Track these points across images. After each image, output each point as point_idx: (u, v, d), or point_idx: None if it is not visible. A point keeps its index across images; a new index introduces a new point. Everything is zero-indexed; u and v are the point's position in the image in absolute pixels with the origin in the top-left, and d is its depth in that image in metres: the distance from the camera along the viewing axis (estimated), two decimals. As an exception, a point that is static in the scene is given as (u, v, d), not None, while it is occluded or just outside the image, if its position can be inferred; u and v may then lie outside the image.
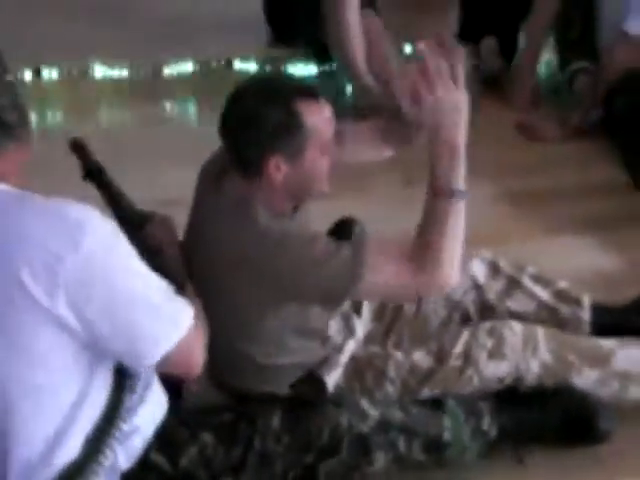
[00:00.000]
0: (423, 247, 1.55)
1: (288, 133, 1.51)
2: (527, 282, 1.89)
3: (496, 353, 1.70)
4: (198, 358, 1.40)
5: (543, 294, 1.88)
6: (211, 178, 1.64)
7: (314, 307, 1.62)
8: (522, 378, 1.71)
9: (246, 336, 1.61)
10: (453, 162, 1.57)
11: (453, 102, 1.54)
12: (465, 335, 1.73)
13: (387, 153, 1.83)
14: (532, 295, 1.87)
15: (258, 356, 1.63)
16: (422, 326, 1.84)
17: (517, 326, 1.74)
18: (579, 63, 3.00)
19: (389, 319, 1.85)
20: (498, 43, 3.33)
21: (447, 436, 1.63)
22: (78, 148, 1.63)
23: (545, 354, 1.72)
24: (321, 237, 1.59)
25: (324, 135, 1.55)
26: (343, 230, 2.19)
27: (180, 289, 1.44)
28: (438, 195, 1.57)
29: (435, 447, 1.62)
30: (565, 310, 1.87)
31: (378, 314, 1.86)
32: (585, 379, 1.72)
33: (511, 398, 1.71)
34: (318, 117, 1.53)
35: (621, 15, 2.91)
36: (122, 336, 1.32)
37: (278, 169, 1.52)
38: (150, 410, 1.45)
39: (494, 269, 1.90)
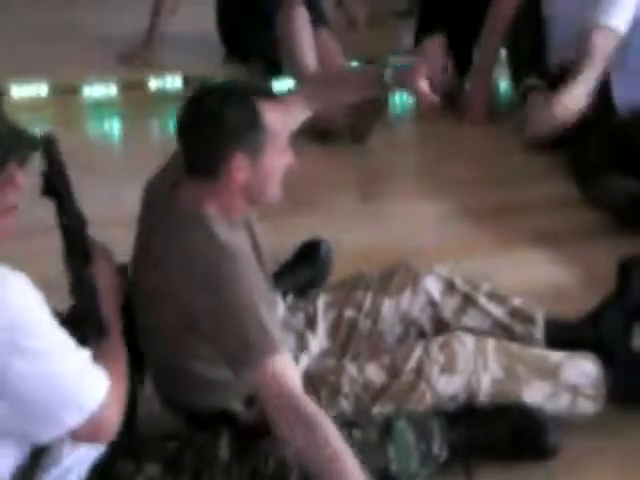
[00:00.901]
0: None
1: (251, 130, 1.55)
2: (482, 299, 1.89)
3: (448, 368, 1.71)
4: (109, 428, 1.36)
5: (497, 312, 1.89)
6: (160, 192, 1.64)
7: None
8: (474, 394, 1.71)
9: (197, 347, 1.59)
10: None
11: None
12: (418, 350, 1.73)
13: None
14: (487, 313, 1.88)
15: (209, 369, 1.61)
16: (377, 343, 1.84)
17: (468, 339, 1.75)
18: (531, 80, 3.04)
19: (344, 336, 1.84)
20: (452, 59, 3.37)
21: (394, 467, 1.61)
22: (49, 145, 1.55)
23: (495, 367, 1.72)
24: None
25: (282, 136, 1.60)
26: (310, 251, 2.21)
27: (106, 335, 1.43)
28: None
29: (382, 478, 1.60)
30: (519, 328, 1.88)
31: (333, 331, 1.85)
32: (535, 391, 1.73)
33: (462, 415, 1.71)
34: (276, 117, 1.58)
35: (569, 35, 2.98)
36: (21, 417, 1.27)
37: (240, 167, 1.55)
38: (82, 451, 1.41)
39: (449, 286, 1.90)
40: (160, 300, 1.57)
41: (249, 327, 1.48)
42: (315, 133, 3.00)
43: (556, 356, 1.79)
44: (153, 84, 3.33)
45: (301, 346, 1.78)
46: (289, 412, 1.45)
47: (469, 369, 1.71)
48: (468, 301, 1.89)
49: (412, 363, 1.71)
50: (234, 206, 1.60)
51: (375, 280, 1.88)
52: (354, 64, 3.32)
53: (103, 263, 1.56)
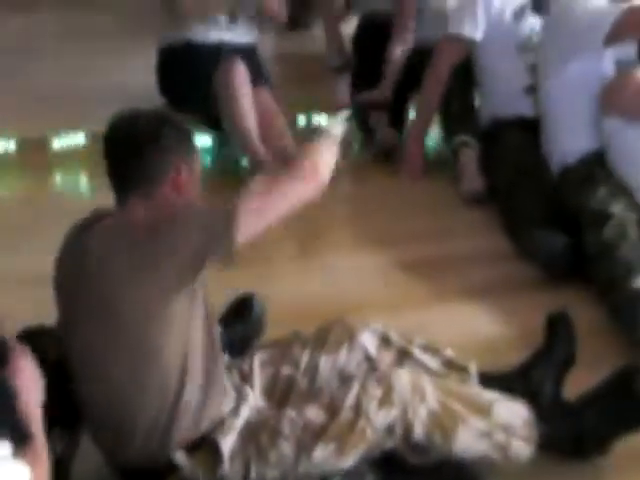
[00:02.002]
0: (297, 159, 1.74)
1: (188, 142, 1.73)
2: (416, 352, 1.93)
3: (385, 401, 1.73)
4: None
5: (432, 363, 1.92)
6: (76, 234, 1.73)
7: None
8: (410, 426, 1.73)
9: (147, 373, 1.63)
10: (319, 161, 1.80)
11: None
12: (355, 387, 1.76)
13: None
14: (422, 364, 1.91)
15: (152, 418, 1.62)
16: (318, 396, 1.85)
17: (405, 374, 1.79)
18: (462, 137, 3.13)
19: (281, 394, 1.85)
20: (389, 116, 3.45)
21: None
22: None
23: (432, 401, 1.75)
24: None
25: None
26: (243, 306, 2.22)
27: (26, 439, 1.41)
28: (302, 163, 1.77)
29: None
30: (454, 377, 1.91)
31: (269, 389, 1.86)
32: (471, 427, 1.75)
33: (397, 470, 1.73)
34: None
35: (501, 94, 3.08)
36: None
37: (181, 177, 1.67)
38: None
39: (385, 341, 1.93)
40: (109, 344, 1.59)
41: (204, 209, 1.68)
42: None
43: (490, 395, 1.83)
44: (57, 143, 3.31)
45: (240, 398, 1.79)
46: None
47: (406, 401, 1.73)
48: (403, 354, 1.92)
49: (350, 400, 1.73)
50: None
51: (312, 337, 1.90)
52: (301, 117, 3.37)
53: (20, 361, 1.54)
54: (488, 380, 1.94)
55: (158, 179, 1.67)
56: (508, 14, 3.07)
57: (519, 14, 3.06)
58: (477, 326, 2.37)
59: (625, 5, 2.65)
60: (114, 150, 1.69)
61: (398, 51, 3.48)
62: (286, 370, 1.87)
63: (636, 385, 1.83)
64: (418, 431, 1.73)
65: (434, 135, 3.41)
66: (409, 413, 1.73)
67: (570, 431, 1.83)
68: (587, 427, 1.83)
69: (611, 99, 2.65)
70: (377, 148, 3.38)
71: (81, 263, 1.67)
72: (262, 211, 1.66)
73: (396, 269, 2.65)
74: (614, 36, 2.61)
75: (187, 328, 1.66)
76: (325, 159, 1.76)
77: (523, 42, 3.03)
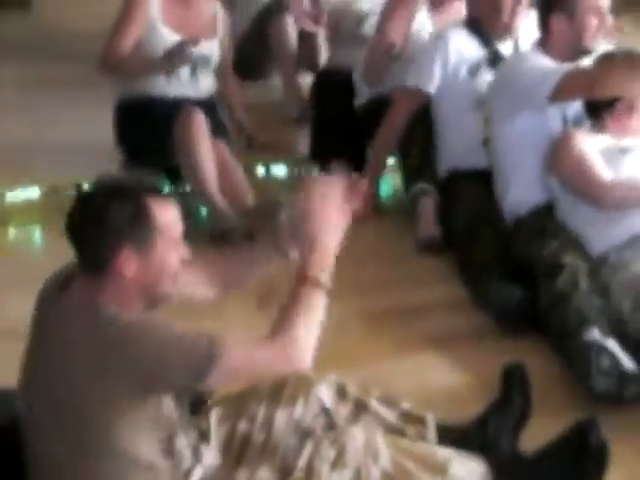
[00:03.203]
0: (283, 323, 1.66)
1: (139, 225, 1.60)
2: (373, 404, 1.92)
3: (338, 463, 1.72)
4: None
5: (389, 416, 1.92)
6: (51, 295, 1.66)
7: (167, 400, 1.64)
8: None
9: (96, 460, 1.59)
10: (324, 261, 1.73)
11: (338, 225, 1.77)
12: (308, 448, 1.74)
13: (213, 294, 1.95)
14: (379, 417, 1.91)
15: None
16: (272, 455, 1.84)
17: (359, 433, 1.77)
18: (420, 185, 3.16)
19: (237, 450, 1.83)
20: (348, 164, 3.48)
21: None
22: None
23: (386, 461, 1.74)
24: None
25: (173, 232, 1.66)
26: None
27: None
28: (304, 283, 1.69)
29: None
30: (411, 430, 1.91)
31: (226, 445, 1.84)
32: None
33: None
34: (167, 214, 1.65)
35: (459, 144, 3.14)
36: None
37: (129, 262, 1.60)
38: None
39: (341, 393, 1.92)
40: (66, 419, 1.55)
41: (187, 341, 1.59)
42: (213, 236, 3.05)
43: (445, 452, 1.82)
44: (41, 192, 3.29)
45: (196, 458, 1.76)
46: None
47: (359, 462, 1.72)
48: (360, 407, 1.92)
49: (303, 461, 1.72)
50: (128, 301, 1.62)
51: (268, 391, 1.89)
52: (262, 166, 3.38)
53: None
54: (445, 432, 1.94)
55: (102, 262, 1.60)
56: (464, 70, 3.13)
57: (474, 70, 3.13)
58: (435, 377, 2.37)
59: (571, 67, 2.71)
60: (68, 224, 1.65)
61: None
62: (242, 426, 1.84)
63: (592, 439, 1.85)
64: None
65: (394, 183, 3.45)
66: (362, 475, 1.72)
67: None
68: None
69: (552, 166, 2.72)
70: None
71: (47, 338, 1.64)
72: (238, 372, 1.65)
73: (355, 319, 2.65)
74: (557, 96, 2.67)
75: (137, 439, 1.62)
76: (312, 333, 1.71)
77: (479, 97, 3.09)
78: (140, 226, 1.60)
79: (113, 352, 1.56)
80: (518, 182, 2.81)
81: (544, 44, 2.82)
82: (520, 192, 2.80)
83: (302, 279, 1.69)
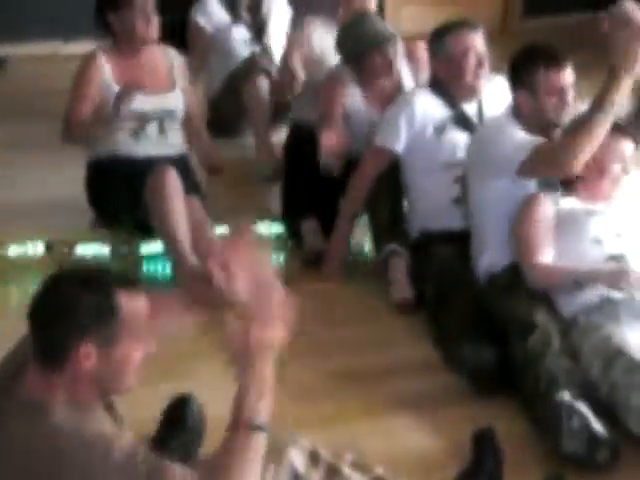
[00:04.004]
0: (216, 471, 1.55)
1: (105, 320, 1.54)
2: (346, 470, 1.91)
3: None
4: None
5: (361, 481, 1.91)
6: (2, 384, 1.60)
7: None
8: None
9: None
10: (261, 396, 1.61)
11: (271, 340, 1.64)
12: None
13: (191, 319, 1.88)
14: (351, 483, 1.90)
15: None
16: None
17: None
18: (392, 246, 3.18)
19: None
20: (319, 222, 3.51)
21: None
22: None
23: None
24: (123, 438, 1.56)
25: (139, 326, 1.59)
26: (178, 409, 2.16)
27: None
28: (239, 428, 1.57)
29: None
30: (383, 497, 1.90)
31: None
32: None
33: None
34: (134, 307, 1.58)
35: (429, 206, 3.17)
36: None
37: (88, 357, 1.54)
38: None
39: (313, 458, 1.91)
40: None
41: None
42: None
43: None
44: (13, 250, 3.27)
45: None
46: None
47: None
48: (333, 472, 1.90)
49: None
50: (83, 395, 1.56)
51: None
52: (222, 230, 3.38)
53: None
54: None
55: (60, 356, 1.53)
56: (431, 129, 3.18)
57: (440, 129, 3.17)
58: (406, 439, 2.36)
59: (539, 141, 2.76)
60: (31, 310, 1.57)
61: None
62: None
63: None
64: None
65: (365, 243, 3.47)
66: None
67: None
68: None
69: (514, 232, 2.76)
70: (306, 254, 3.42)
71: None
72: None
73: (325, 380, 2.64)
74: (523, 172, 2.73)
75: None
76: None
77: (447, 157, 3.13)
78: (106, 321, 1.54)
79: (50, 464, 1.48)
80: (494, 242, 2.84)
81: (515, 115, 2.88)
82: (496, 252, 2.83)
83: (239, 424, 1.56)
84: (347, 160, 3.42)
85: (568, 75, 2.82)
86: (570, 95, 2.82)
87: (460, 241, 2.99)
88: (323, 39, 3.82)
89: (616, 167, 2.72)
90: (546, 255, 2.65)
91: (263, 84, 4.24)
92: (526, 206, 2.73)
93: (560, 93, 2.80)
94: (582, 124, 2.61)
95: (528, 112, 2.83)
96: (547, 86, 2.80)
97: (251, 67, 4.28)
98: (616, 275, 2.52)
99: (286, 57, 3.83)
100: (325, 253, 3.38)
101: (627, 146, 2.73)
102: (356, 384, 2.61)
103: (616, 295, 2.54)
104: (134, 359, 1.59)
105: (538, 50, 2.88)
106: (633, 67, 2.52)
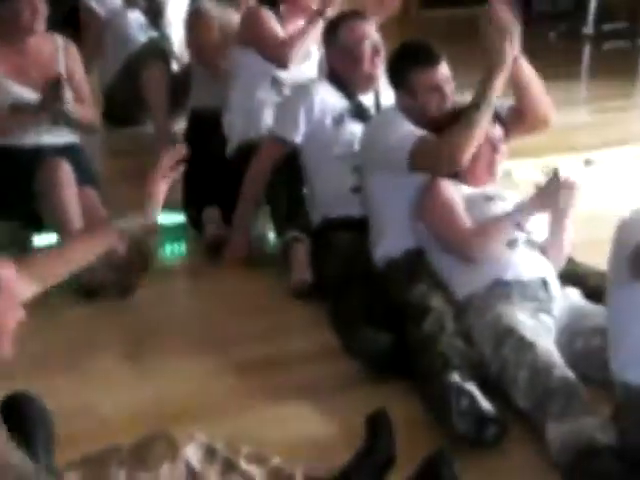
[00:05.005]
0: None
1: None
2: (242, 463, 1.92)
3: None
4: None
5: (258, 474, 1.92)
6: None
7: None
8: None
9: None
10: None
11: None
12: None
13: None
14: (248, 477, 1.90)
15: None
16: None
17: None
18: (292, 233, 3.20)
19: None
20: (220, 211, 3.51)
21: None
22: None
23: None
24: None
25: (11, 291, 1.63)
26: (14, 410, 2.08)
27: None
28: None
29: None
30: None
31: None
32: None
33: None
34: (7, 274, 1.62)
35: (329, 193, 3.18)
36: None
37: None
38: None
39: (209, 453, 1.91)
40: None
41: None
42: (80, 291, 3.00)
43: None
44: None
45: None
46: None
47: None
48: (229, 466, 1.91)
49: None
50: None
51: (130, 453, 1.85)
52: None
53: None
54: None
55: None
56: (329, 119, 3.20)
57: (338, 120, 3.21)
58: (305, 426, 2.39)
59: (423, 134, 2.80)
60: None
61: None
62: None
63: (444, 472, 1.90)
64: None
65: (267, 232, 3.48)
66: None
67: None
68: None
69: (419, 213, 2.81)
70: (208, 243, 3.42)
71: None
72: None
73: (223, 371, 2.64)
74: (413, 166, 2.78)
75: None
76: None
77: (345, 147, 3.17)
78: None
79: None
80: (391, 229, 2.88)
81: (401, 111, 2.92)
82: (393, 238, 2.87)
83: None
84: (248, 147, 3.43)
85: (443, 70, 2.88)
86: (449, 88, 2.87)
87: (360, 228, 3.03)
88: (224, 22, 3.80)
89: (488, 151, 2.77)
90: (470, 225, 2.68)
91: (162, 70, 4.19)
92: (428, 192, 2.78)
93: (438, 89, 2.86)
94: (463, 123, 2.69)
95: (411, 111, 2.88)
96: (425, 85, 2.85)
97: (149, 53, 4.23)
98: (547, 192, 2.61)
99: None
100: (227, 241, 3.39)
101: (496, 130, 2.79)
102: (253, 373, 2.63)
103: (507, 277, 2.62)
104: (6, 324, 1.61)
105: (411, 50, 2.92)
106: (503, 66, 2.63)
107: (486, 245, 2.65)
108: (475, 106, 2.69)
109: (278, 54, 3.45)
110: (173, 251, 3.52)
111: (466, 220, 2.69)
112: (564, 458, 2.13)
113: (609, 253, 2.20)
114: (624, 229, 2.16)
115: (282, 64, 3.45)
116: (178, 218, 3.58)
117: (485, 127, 2.70)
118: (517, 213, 2.68)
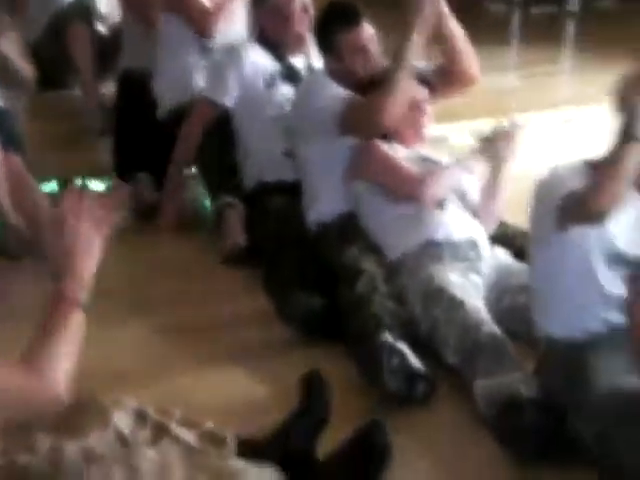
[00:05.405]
0: (40, 352, 1.57)
1: None
2: (173, 427, 1.91)
3: None
4: None
5: (190, 438, 1.91)
6: None
7: None
8: None
9: None
10: (80, 279, 1.64)
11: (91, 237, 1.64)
12: (96, 474, 1.71)
13: None
14: (179, 440, 1.89)
15: None
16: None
17: (151, 453, 1.76)
18: (225, 198, 3.18)
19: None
20: (151, 175, 3.46)
21: None
22: None
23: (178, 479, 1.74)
24: None
25: None
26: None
27: None
28: (60, 303, 1.61)
29: None
30: (212, 451, 1.90)
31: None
32: None
33: None
34: None
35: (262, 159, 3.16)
36: None
37: None
38: None
39: (140, 418, 1.89)
40: None
41: None
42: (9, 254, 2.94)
43: (238, 464, 1.83)
44: None
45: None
46: None
47: None
48: (160, 430, 1.89)
49: None
50: None
51: (57, 420, 1.81)
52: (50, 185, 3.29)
53: None
54: (246, 446, 1.96)
55: None
56: (261, 82, 3.17)
57: (270, 82, 3.19)
58: (238, 390, 2.39)
59: (351, 96, 2.80)
60: None
61: None
62: (22, 459, 1.76)
63: (377, 439, 1.93)
64: None
65: (201, 197, 3.44)
66: None
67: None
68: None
69: (359, 171, 2.81)
70: (140, 208, 3.37)
71: None
72: None
73: (155, 335, 2.63)
74: (341, 128, 2.77)
75: None
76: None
77: (277, 110, 3.14)
78: None
79: None
80: (324, 193, 2.88)
81: (329, 75, 2.91)
82: (325, 202, 2.87)
83: (58, 298, 1.61)
84: (179, 111, 3.38)
85: (367, 30, 2.88)
86: (373, 48, 2.87)
87: (293, 192, 3.02)
88: None
89: (413, 112, 2.78)
90: (415, 171, 2.69)
91: (86, 30, 4.09)
92: (365, 150, 2.78)
93: (363, 50, 2.86)
94: (385, 83, 2.69)
95: (339, 74, 2.87)
96: (349, 46, 2.85)
97: (74, 11, 4.12)
98: (491, 141, 2.65)
99: None
100: (159, 207, 3.35)
101: (420, 90, 2.81)
102: (186, 337, 2.62)
103: (438, 237, 2.65)
104: None
105: (334, 13, 2.91)
106: (422, 25, 2.63)
107: (438, 187, 2.67)
108: (394, 67, 2.69)
109: (203, 26, 3.42)
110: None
111: (412, 168, 2.70)
112: (490, 412, 2.18)
113: (529, 212, 2.24)
114: (544, 187, 2.20)
115: (207, 36, 3.42)
116: (108, 183, 3.51)
117: (405, 85, 2.70)
118: (463, 162, 2.71)
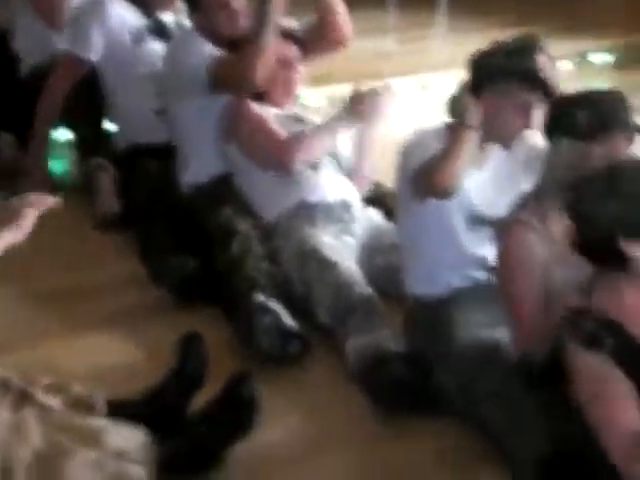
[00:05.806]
0: None
1: None
2: (39, 394, 1.87)
3: None
4: None
5: (55, 403, 1.88)
6: None
7: None
8: (10, 472, 1.69)
9: None
10: None
11: None
12: None
13: None
14: (43, 407, 1.86)
15: None
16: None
17: (5, 414, 1.74)
18: (96, 160, 3.11)
19: None
20: (15, 137, 3.34)
21: None
22: None
23: (37, 440, 1.72)
24: None
25: None
26: None
27: None
28: None
29: None
30: (80, 415, 1.88)
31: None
32: (80, 462, 1.75)
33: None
34: None
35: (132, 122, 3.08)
36: None
37: None
38: None
39: (3, 386, 1.85)
40: None
41: None
42: None
43: (100, 423, 1.83)
44: None
45: None
46: None
47: (4, 443, 1.68)
48: (24, 398, 1.86)
49: None
50: None
51: None
52: None
53: None
54: (118, 408, 1.95)
55: None
56: (127, 38, 3.08)
57: (138, 38, 3.10)
58: (111, 355, 2.37)
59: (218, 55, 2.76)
60: None
61: None
62: None
63: (244, 390, 1.95)
64: (20, 475, 1.68)
65: (68, 158, 3.35)
66: (9, 456, 1.68)
67: (185, 448, 1.89)
68: (200, 441, 1.91)
69: (230, 133, 2.78)
70: (2, 170, 3.25)
71: None
72: None
73: (23, 301, 2.58)
74: (212, 86, 2.74)
75: None
76: None
77: (147, 67, 3.06)
78: None
79: None
80: (197, 155, 2.84)
81: (199, 31, 2.86)
82: (199, 164, 2.84)
83: None
84: (42, 68, 3.25)
85: None
86: (237, 4, 2.82)
87: (167, 155, 2.96)
88: None
89: (284, 70, 2.77)
90: (284, 135, 2.66)
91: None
92: (235, 111, 2.75)
93: (226, 7, 2.83)
94: (252, 39, 2.67)
95: (206, 31, 2.83)
96: (212, 3, 2.80)
97: None
98: (354, 107, 2.65)
99: None
100: (22, 168, 3.23)
101: (291, 49, 2.80)
102: (55, 303, 2.57)
103: (312, 199, 2.67)
104: None
105: None
106: None
107: (307, 152, 2.65)
108: (258, 27, 2.67)
109: None
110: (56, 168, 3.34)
111: (281, 131, 2.69)
112: (360, 369, 2.24)
113: (395, 174, 2.29)
114: (405, 151, 2.25)
115: None
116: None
117: (273, 41, 2.68)
118: (333, 122, 2.71)
